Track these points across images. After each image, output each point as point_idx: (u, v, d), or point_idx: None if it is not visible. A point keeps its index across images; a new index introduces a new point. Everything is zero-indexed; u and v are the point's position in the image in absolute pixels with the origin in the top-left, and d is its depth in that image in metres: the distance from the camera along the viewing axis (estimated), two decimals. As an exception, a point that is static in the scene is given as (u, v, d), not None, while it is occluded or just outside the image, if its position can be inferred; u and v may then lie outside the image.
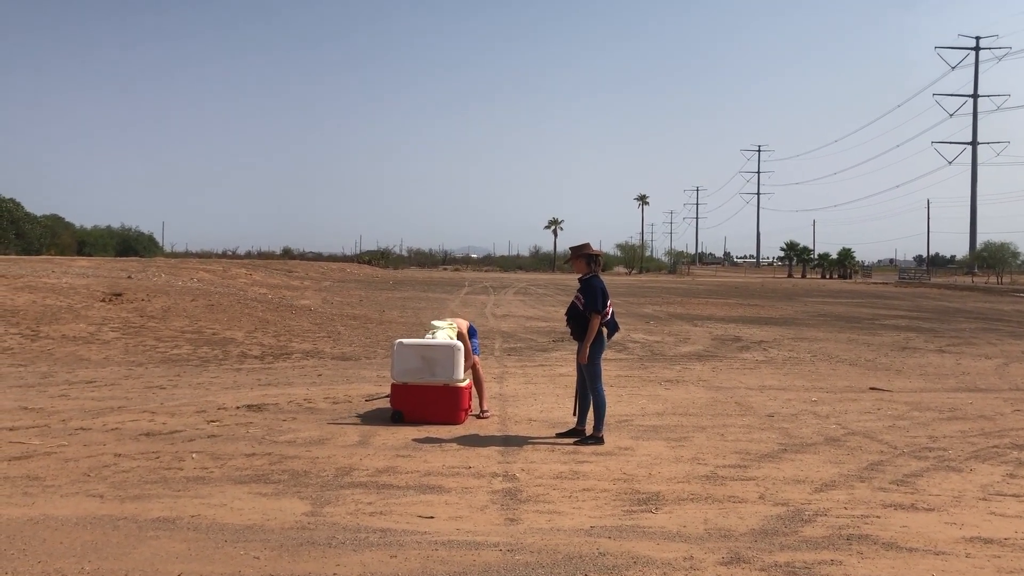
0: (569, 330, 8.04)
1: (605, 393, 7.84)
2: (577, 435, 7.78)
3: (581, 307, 7.79)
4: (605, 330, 7.88)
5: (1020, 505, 5.91)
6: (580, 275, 7.97)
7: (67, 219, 73.22)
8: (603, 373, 7.98)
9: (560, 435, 7.87)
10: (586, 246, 8.07)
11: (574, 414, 8.02)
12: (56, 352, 13.46)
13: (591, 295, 7.73)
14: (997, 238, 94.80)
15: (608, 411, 8.00)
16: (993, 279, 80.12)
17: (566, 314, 8.09)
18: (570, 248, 8.23)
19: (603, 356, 7.96)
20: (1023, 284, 68.75)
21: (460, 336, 8.90)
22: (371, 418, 8.64)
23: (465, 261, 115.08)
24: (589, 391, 7.79)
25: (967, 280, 79.51)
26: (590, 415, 7.84)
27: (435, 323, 9.12)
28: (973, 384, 12.06)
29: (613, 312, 7.99)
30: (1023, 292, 52.66)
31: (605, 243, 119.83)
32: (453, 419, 8.39)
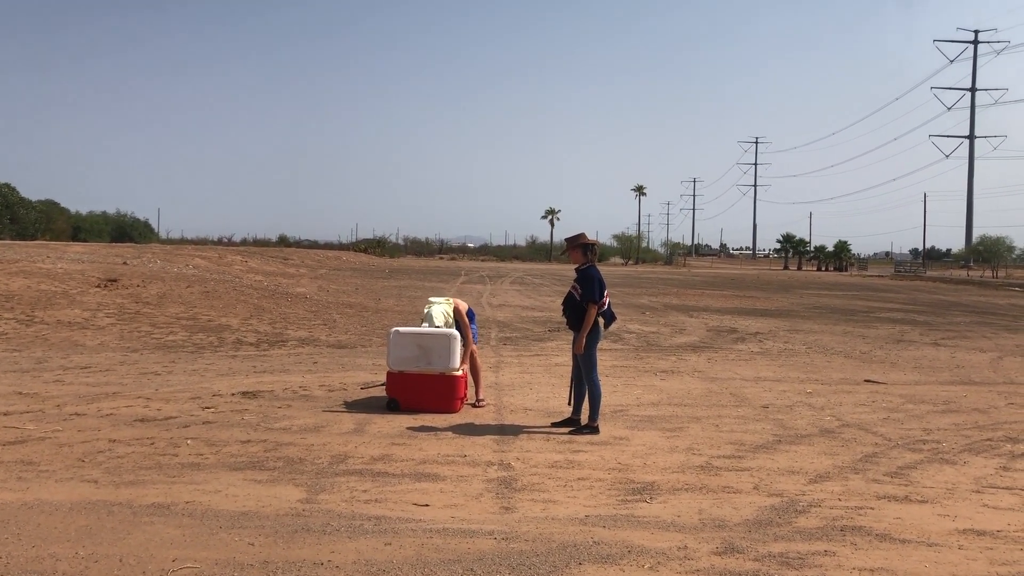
0: (565, 320, 8.04)
1: (601, 383, 7.85)
2: (572, 424, 7.79)
3: (578, 297, 7.79)
4: (602, 320, 7.88)
5: (1013, 498, 5.93)
6: (577, 265, 7.96)
7: (62, 204, 72.89)
8: (599, 363, 7.99)
9: (555, 424, 7.88)
10: (582, 236, 8.06)
11: (569, 403, 8.03)
12: (51, 337, 13.43)
13: (588, 285, 7.73)
14: (993, 232, 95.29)
15: (603, 401, 8.02)
16: (988, 273, 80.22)
17: (563, 304, 8.09)
18: (566, 239, 8.22)
19: (599, 346, 7.96)
20: (1018, 278, 68.90)
21: (457, 312, 8.89)
22: (367, 406, 8.64)
23: (461, 250, 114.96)
24: (585, 381, 7.80)
25: (962, 274, 79.63)
26: (585, 404, 7.84)
27: (432, 299, 9.11)
28: (967, 377, 12.09)
29: (610, 302, 7.99)
30: (1018, 286, 52.78)
31: (602, 233, 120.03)
32: (449, 407, 8.39)
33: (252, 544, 4.62)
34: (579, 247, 7.96)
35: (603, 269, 8.58)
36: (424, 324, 8.79)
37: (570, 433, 7.61)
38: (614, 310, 8.18)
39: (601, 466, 6.51)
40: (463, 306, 9.03)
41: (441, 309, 8.85)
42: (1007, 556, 4.75)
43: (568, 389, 8.28)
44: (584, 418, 7.80)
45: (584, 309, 7.73)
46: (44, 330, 13.92)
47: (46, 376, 10.12)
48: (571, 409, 7.95)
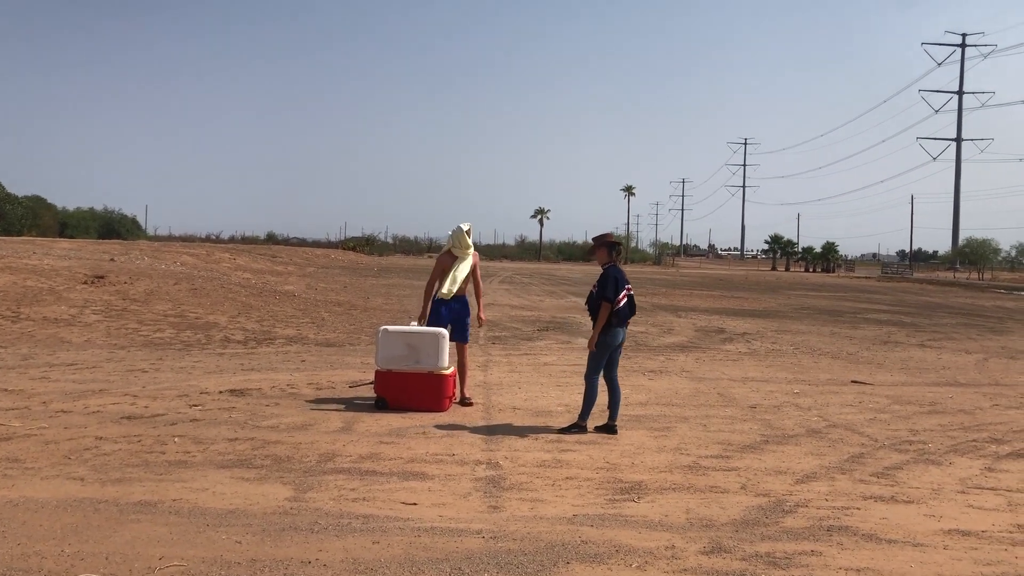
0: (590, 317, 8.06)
1: (598, 385, 7.83)
2: (610, 431, 7.72)
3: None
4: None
5: (998, 498, 5.97)
6: (602, 264, 8.02)
7: (49, 200, 72.48)
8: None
9: (598, 428, 7.79)
10: (608, 235, 8.12)
11: (605, 408, 7.94)
12: (37, 334, 13.35)
13: (603, 284, 7.77)
14: (979, 234, 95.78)
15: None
16: (974, 275, 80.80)
17: (586, 302, 8.15)
18: (593, 238, 8.26)
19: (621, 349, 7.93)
20: (1004, 280, 69.37)
21: (474, 268, 9.11)
22: (355, 404, 8.63)
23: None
24: (584, 377, 7.81)
25: (949, 275, 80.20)
26: (599, 409, 7.82)
27: (455, 250, 9.03)
28: (953, 378, 12.17)
29: (626, 306, 7.83)
30: (1003, 288, 53.14)
31: (591, 233, 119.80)
32: (437, 406, 8.38)
33: (239, 542, 4.60)
34: (604, 246, 8.01)
35: (590, 269, 8.58)
36: (452, 275, 8.87)
37: (559, 432, 7.62)
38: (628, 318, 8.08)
39: (589, 465, 6.52)
40: (477, 259, 9.22)
41: (465, 274, 8.96)
42: (992, 556, 4.78)
43: (562, 389, 8.27)
44: (594, 423, 7.78)
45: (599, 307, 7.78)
46: (30, 327, 13.83)
47: (32, 373, 10.06)
48: (607, 414, 7.89)
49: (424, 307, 8.98)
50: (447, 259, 8.98)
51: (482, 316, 9.49)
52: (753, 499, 5.74)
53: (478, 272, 9.25)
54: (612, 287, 7.71)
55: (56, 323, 14.22)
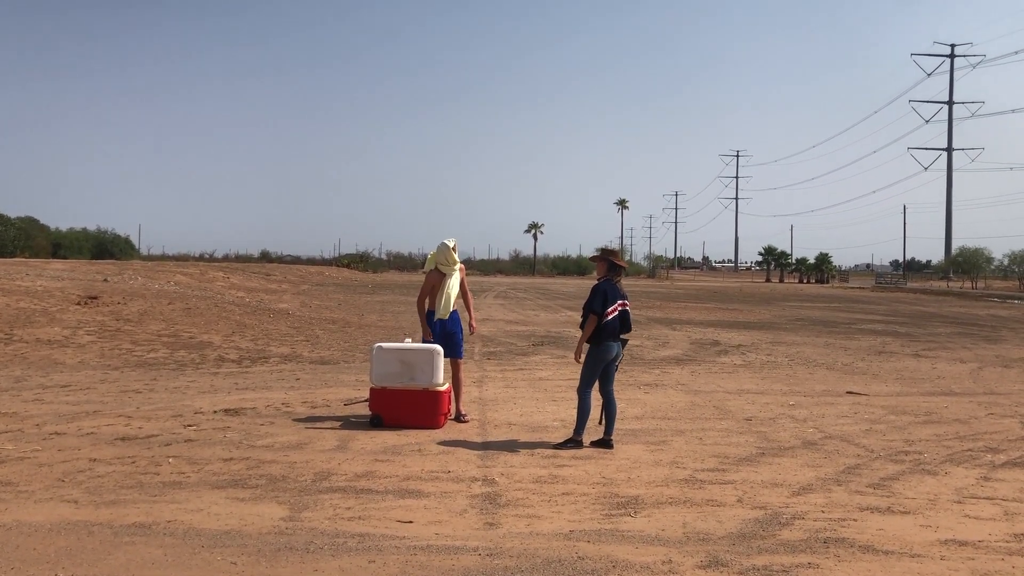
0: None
1: (590, 399, 7.84)
2: (605, 445, 7.70)
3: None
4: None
5: (994, 508, 5.98)
6: (599, 276, 8.09)
7: (42, 221, 72.34)
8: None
9: (593, 443, 7.79)
10: (616, 255, 8.20)
11: (600, 422, 7.92)
12: (30, 356, 13.30)
13: (592, 296, 7.83)
14: (972, 243, 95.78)
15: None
16: (968, 284, 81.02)
17: (581, 314, 8.20)
18: (600, 248, 8.32)
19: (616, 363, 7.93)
20: (997, 289, 69.63)
21: (463, 282, 9.22)
22: (350, 422, 8.61)
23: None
24: (577, 392, 7.83)
25: (942, 285, 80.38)
26: (594, 423, 7.83)
27: (442, 266, 9.09)
28: (948, 388, 12.18)
29: (617, 319, 7.83)
30: (997, 297, 53.34)
31: (585, 247, 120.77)
32: (432, 423, 8.37)
33: (235, 563, 4.58)
34: (606, 261, 8.08)
35: (583, 282, 8.62)
36: (443, 296, 8.97)
37: (554, 447, 7.61)
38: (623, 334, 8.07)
39: (585, 480, 6.51)
40: (464, 272, 9.33)
41: (456, 291, 9.10)
42: (989, 566, 4.78)
43: (557, 404, 8.27)
44: (581, 437, 7.78)
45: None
46: (23, 348, 13.78)
47: (25, 395, 10.01)
48: (603, 429, 7.87)
49: (424, 327, 8.98)
50: (435, 276, 9.05)
51: (474, 325, 9.65)
52: (750, 512, 5.74)
53: (466, 285, 9.39)
54: (600, 300, 7.75)
55: (49, 344, 14.18)
